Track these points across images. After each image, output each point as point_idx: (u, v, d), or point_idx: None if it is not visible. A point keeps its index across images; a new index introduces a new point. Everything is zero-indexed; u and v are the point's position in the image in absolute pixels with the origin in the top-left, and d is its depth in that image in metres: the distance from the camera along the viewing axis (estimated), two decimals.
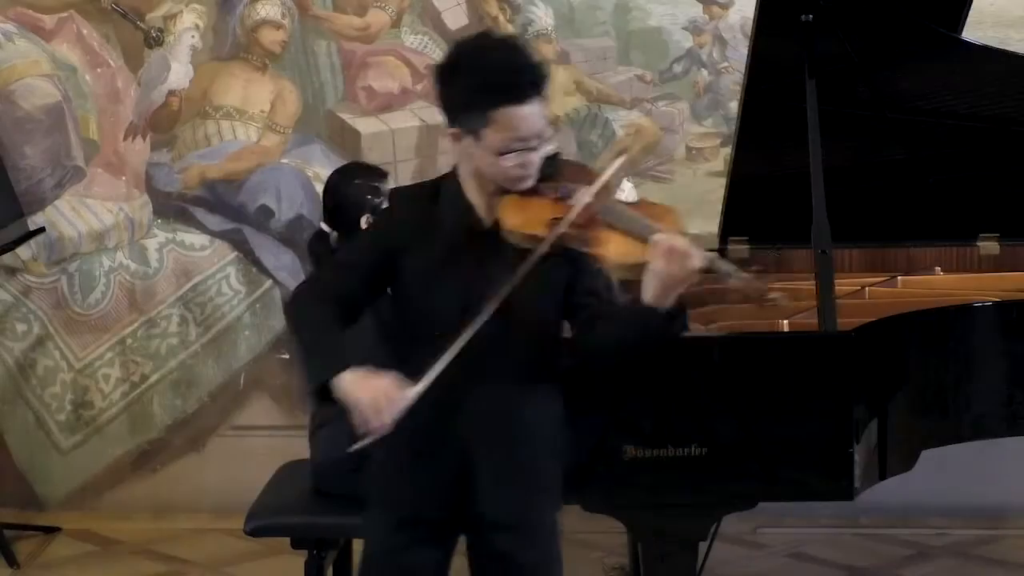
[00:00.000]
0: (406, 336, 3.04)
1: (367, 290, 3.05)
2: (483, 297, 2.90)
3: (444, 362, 2.87)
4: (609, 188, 3.00)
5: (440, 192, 3.01)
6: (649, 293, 2.86)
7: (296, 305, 3.05)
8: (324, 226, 4.08)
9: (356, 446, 2.87)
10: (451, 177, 3.02)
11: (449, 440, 2.99)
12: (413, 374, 2.91)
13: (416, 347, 2.97)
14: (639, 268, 2.91)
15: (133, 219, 5.35)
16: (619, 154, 3.11)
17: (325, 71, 5.30)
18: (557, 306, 3.01)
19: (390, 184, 4.04)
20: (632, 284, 3.22)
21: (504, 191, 2.96)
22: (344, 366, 2.88)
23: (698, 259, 2.85)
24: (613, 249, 2.93)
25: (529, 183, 2.95)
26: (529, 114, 2.87)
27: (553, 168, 2.99)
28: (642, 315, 2.90)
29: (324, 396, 2.92)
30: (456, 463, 3.00)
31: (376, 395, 2.84)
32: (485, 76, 2.86)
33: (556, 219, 2.90)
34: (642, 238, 2.91)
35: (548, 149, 2.96)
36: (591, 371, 3.26)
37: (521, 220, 2.92)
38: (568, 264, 2.97)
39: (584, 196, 2.92)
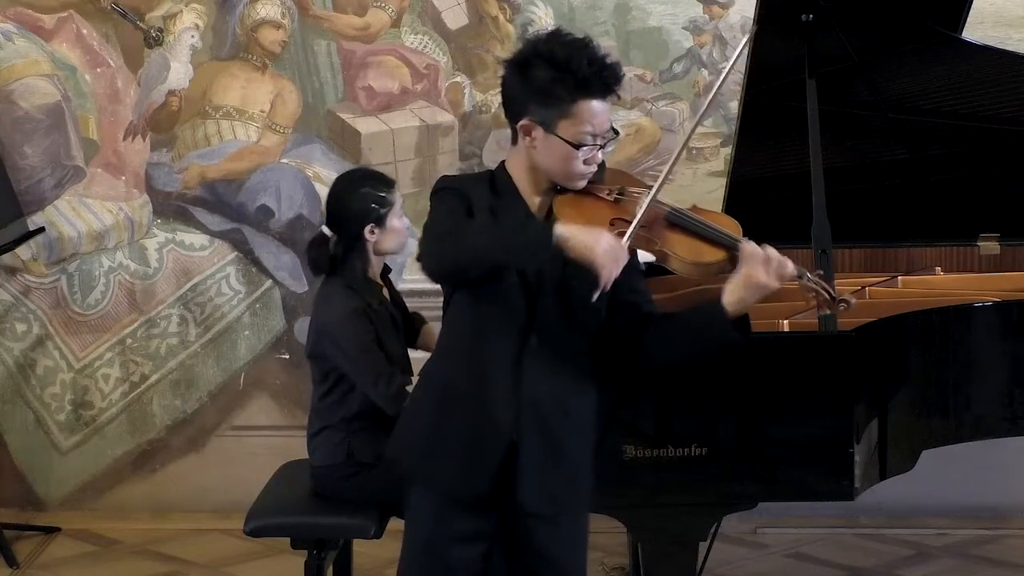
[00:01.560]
0: (469, 320, 3.06)
1: None
2: (537, 288, 2.98)
3: (641, 215, 2.94)
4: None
5: (495, 183, 3.05)
6: (734, 297, 2.95)
7: (453, 242, 2.93)
8: (326, 229, 4.02)
9: (596, 296, 2.87)
10: (502, 171, 3.06)
11: (500, 421, 3.02)
12: (479, 357, 3.00)
13: (479, 330, 3.02)
14: (705, 268, 3.02)
15: (133, 219, 5.34)
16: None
17: (325, 71, 5.29)
18: (604, 305, 3.05)
19: (396, 193, 4.02)
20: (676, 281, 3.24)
21: (557, 189, 3.02)
22: (551, 223, 2.88)
23: (791, 268, 2.96)
24: (680, 249, 3.01)
25: (584, 182, 3.02)
26: (604, 110, 2.96)
27: (600, 173, 3.08)
28: (711, 318, 2.98)
29: (546, 253, 2.86)
30: (504, 444, 3.02)
31: (608, 244, 2.86)
32: (571, 69, 2.92)
33: (616, 219, 2.97)
34: (708, 240, 3.01)
35: (609, 150, 3.01)
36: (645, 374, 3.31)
37: (582, 219, 2.98)
38: None
39: (648, 196, 3.01)
